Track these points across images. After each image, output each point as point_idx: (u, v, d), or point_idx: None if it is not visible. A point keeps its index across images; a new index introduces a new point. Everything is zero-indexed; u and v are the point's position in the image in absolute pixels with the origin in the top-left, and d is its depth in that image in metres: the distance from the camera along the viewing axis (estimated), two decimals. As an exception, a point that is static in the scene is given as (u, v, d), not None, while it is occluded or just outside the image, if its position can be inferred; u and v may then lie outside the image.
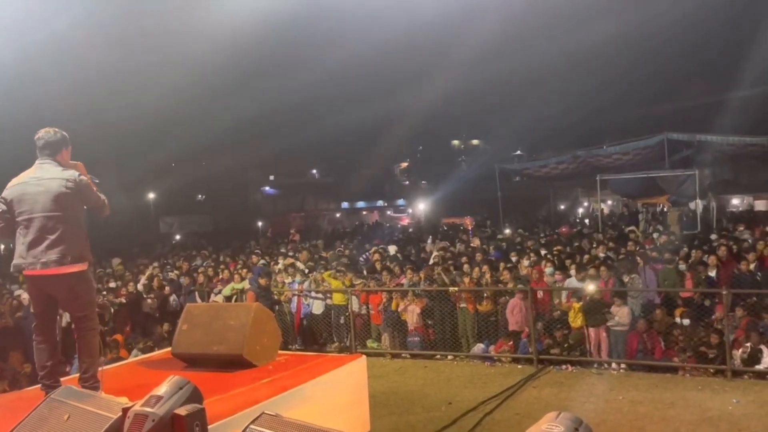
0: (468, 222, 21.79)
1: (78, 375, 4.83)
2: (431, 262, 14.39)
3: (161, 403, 3.23)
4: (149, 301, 13.08)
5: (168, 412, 3.20)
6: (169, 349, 6.39)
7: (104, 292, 12.98)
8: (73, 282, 4.64)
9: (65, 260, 4.54)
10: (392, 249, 17.31)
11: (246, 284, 12.31)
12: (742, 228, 16.64)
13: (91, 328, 4.81)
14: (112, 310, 12.36)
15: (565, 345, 10.53)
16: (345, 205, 54.20)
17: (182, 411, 3.21)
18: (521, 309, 10.99)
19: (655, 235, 15.77)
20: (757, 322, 9.66)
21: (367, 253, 17.18)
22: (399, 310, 12.00)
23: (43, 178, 4.63)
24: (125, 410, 3.32)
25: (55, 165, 4.70)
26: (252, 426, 3.18)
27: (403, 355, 11.83)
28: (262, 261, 15.49)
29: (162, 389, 3.32)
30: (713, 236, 14.79)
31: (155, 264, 17.55)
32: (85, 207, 4.83)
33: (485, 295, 11.43)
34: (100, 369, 4.83)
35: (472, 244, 16.85)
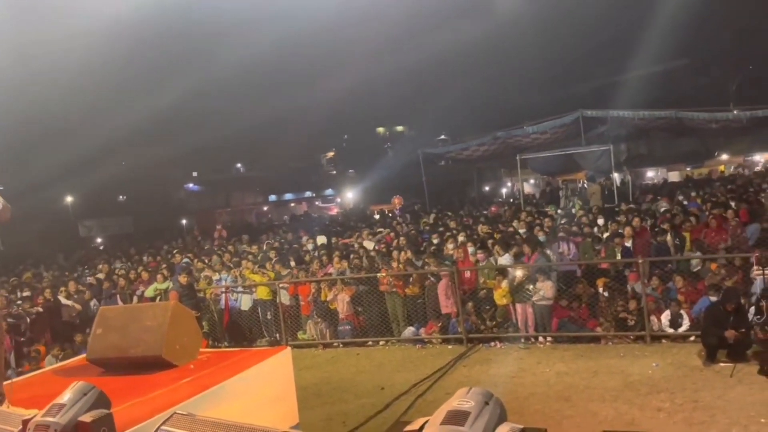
0: (397, 201, 21.32)
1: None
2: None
3: (64, 411, 3.07)
4: (68, 307, 12.55)
5: (71, 420, 3.04)
6: (84, 355, 6.13)
7: (18, 302, 12.39)
8: None
9: None
10: (321, 239, 17.17)
11: (169, 284, 11.99)
12: (652, 197, 17.29)
13: None
14: (28, 319, 11.83)
15: (493, 322, 10.70)
16: (272, 198, 53.52)
17: (87, 418, 3.06)
18: (453, 290, 11.08)
19: (573, 210, 16.21)
20: (672, 289, 10.06)
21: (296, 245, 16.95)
22: (328, 299, 11.92)
23: None
24: (25, 422, 3.14)
25: None
26: (163, 427, 3.06)
27: (335, 344, 11.78)
28: (185, 259, 15.10)
29: (65, 397, 3.16)
30: (625, 207, 15.20)
31: (67, 273, 16.89)
32: None
33: (410, 279, 11.48)
34: (7, 382, 4.57)
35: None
